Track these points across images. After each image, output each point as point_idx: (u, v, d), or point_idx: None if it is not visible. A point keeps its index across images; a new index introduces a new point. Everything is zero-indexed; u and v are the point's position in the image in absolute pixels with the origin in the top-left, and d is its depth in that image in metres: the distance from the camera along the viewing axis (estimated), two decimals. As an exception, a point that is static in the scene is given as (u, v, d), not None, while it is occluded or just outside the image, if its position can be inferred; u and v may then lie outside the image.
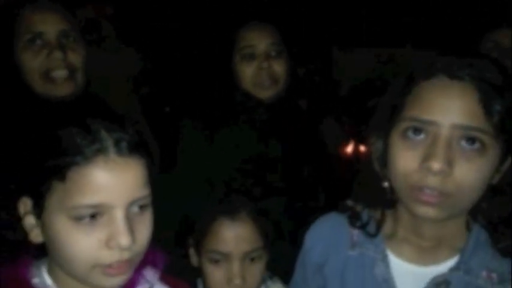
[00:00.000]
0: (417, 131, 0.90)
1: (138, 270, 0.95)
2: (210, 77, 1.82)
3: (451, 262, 0.97)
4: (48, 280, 0.92)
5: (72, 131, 0.84)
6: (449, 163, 0.86)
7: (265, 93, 1.62)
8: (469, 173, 0.86)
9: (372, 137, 1.02)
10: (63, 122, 0.87)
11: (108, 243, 0.83)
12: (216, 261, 1.29)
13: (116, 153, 0.84)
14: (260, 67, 1.60)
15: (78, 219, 0.83)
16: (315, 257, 1.12)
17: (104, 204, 0.83)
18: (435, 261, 0.98)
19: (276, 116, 1.64)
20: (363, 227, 1.04)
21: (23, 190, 0.89)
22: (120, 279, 0.87)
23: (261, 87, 1.61)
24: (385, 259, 1.00)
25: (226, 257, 1.28)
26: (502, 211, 0.94)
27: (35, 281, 0.91)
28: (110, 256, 0.84)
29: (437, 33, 3.28)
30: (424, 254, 0.99)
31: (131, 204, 0.86)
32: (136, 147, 0.87)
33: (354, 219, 1.06)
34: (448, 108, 0.87)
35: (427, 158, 0.87)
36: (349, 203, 1.07)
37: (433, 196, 0.88)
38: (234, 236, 1.28)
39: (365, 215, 1.06)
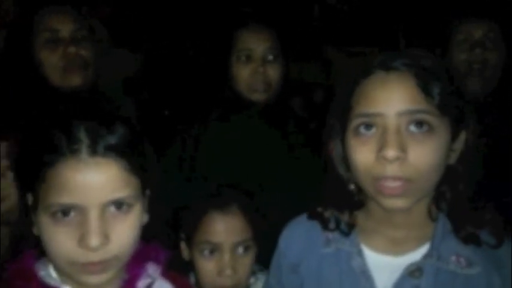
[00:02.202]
0: (368, 126, 0.94)
1: (141, 265, 0.99)
2: (205, 78, 1.84)
3: (421, 251, 1.00)
4: (53, 273, 0.95)
5: (55, 132, 0.86)
6: (403, 149, 0.90)
7: (258, 96, 1.66)
8: (423, 155, 0.91)
9: (330, 143, 1.06)
10: (52, 123, 0.89)
11: (80, 242, 0.85)
12: (207, 253, 1.33)
13: (88, 155, 0.85)
14: (256, 71, 1.62)
15: (53, 215, 0.85)
16: (290, 258, 1.14)
17: (76, 205, 0.85)
18: (407, 251, 1.01)
19: (267, 117, 1.68)
20: (336, 228, 1.07)
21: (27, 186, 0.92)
22: (100, 277, 0.88)
23: (254, 90, 1.64)
24: (360, 252, 1.04)
25: (217, 248, 1.32)
26: (461, 193, 0.98)
27: (41, 273, 0.94)
28: (82, 256, 0.85)
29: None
30: (396, 245, 1.02)
31: (106, 205, 0.86)
32: (115, 149, 0.87)
33: (326, 224, 1.08)
34: (390, 98, 0.92)
35: (381, 148, 0.91)
36: (319, 209, 1.09)
37: (396, 188, 0.91)
38: (225, 228, 1.32)
39: (337, 217, 1.08)
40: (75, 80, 1.56)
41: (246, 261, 1.34)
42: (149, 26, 2.96)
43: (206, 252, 1.33)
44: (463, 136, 0.98)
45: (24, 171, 0.91)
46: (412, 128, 0.92)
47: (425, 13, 3.39)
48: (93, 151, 0.85)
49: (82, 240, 0.84)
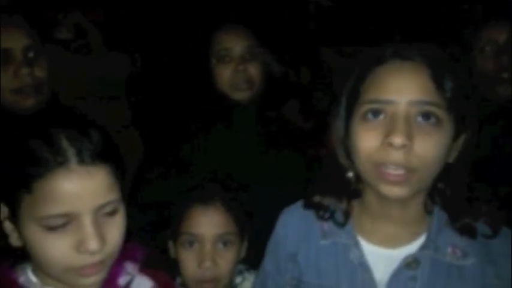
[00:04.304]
0: (376, 112, 0.94)
1: (120, 263, 1.00)
2: (190, 80, 1.84)
3: (417, 243, 1.01)
4: (33, 278, 0.96)
5: (36, 143, 0.87)
6: (409, 138, 0.90)
7: (241, 95, 1.66)
8: (429, 147, 0.91)
9: (333, 130, 1.06)
10: (28, 134, 0.89)
11: (78, 248, 0.87)
12: (189, 245, 1.34)
13: (77, 164, 0.87)
14: (236, 70, 1.64)
15: (48, 228, 0.86)
16: (288, 246, 1.13)
17: (70, 213, 0.86)
18: (403, 243, 1.02)
19: (253, 119, 1.68)
20: (331, 218, 1.07)
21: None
22: (96, 278, 0.92)
23: (237, 89, 1.65)
24: (357, 244, 1.04)
25: (198, 239, 1.33)
26: (459, 192, 0.99)
27: (21, 279, 0.95)
28: (81, 260, 0.88)
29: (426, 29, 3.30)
30: (391, 239, 1.03)
31: (98, 209, 0.89)
32: (99, 156, 0.89)
33: (322, 213, 1.08)
34: (403, 86, 0.93)
35: (388, 134, 0.91)
36: (316, 198, 1.09)
37: (398, 175, 0.91)
38: (206, 220, 1.33)
39: (332, 206, 1.08)
40: (28, 103, 1.42)
41: (227, 255, 1.34)
42: (139, 28, 2.96)
43: (187, 244, 1.34)
44: (463, 137, 0.98)
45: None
46: (420, 119, 0.92)
47: (421, 12, 3.41)
48: (81, 160, 0.87)
49: (81, 245, 0.86)
